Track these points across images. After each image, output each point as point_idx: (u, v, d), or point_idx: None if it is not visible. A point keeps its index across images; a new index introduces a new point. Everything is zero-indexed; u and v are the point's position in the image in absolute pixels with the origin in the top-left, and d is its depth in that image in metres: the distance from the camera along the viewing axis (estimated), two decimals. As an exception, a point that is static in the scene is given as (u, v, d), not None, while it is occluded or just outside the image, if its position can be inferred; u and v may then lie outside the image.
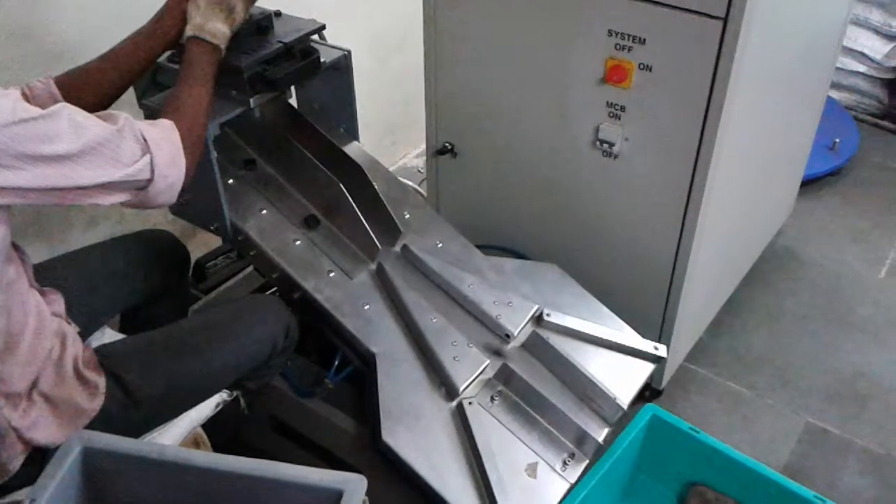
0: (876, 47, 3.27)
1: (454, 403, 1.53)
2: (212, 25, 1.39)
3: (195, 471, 1.02)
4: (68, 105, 1.15)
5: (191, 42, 1.40)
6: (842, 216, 2.90)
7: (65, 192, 1.14)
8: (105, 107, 1.48)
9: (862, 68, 3.35)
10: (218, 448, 1.54)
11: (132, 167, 1.19)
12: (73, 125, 1.13)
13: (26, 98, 1.37)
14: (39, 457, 1.25)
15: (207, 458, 1.05)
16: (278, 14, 1.62)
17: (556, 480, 1.50)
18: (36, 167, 1.09)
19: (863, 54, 3.31)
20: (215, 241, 2.14)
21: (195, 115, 1.35)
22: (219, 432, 1.57)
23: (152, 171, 1.22)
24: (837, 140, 3.02)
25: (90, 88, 1.44)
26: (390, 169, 2.68)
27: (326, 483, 1.00)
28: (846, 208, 2.94)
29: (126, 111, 1.75)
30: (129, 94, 1.57)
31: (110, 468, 1.05)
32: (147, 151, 1.21)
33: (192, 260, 1.92)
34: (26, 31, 1.72)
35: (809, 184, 2.92)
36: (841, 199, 2.98)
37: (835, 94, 3.40)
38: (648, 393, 2.09)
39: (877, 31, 3.27)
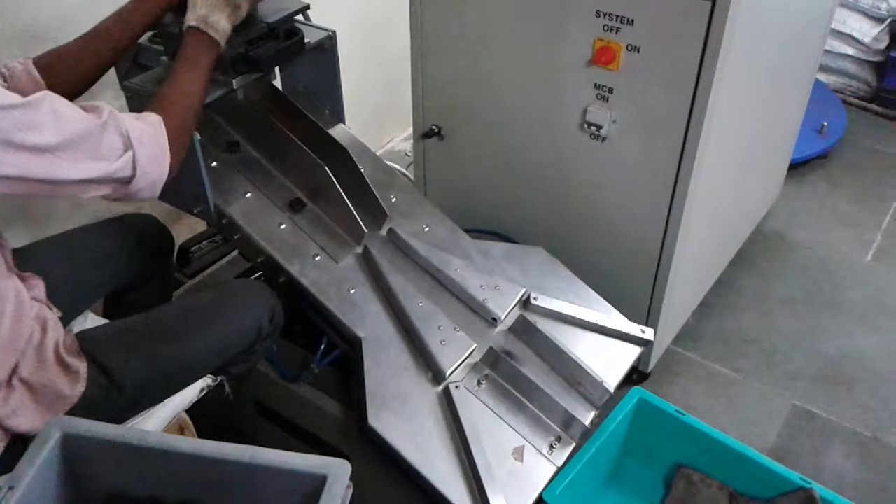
0: (864, 30, 3.27)
1: (441, 387, 1.53)
2: (215, 19, 1.36)
3: (177, 456, 1.01)
4: (51, 94, 1.12)
5: (190, 33, 1.36)
6: (829, 199, 2.90)
7: (40, 184, 1.11)
8: (86, 88, 1.46)
9: (850, 51, 3.35)
10: (203, 433, 1.53)
11: (113, 163, 1.16)
12: (54, 115, 1.10)
13: (4, 79, 1.35)
14: (21, 444, 1.24)
15: (190, 443, 1.04)
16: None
17: (542, 464, 1.50)
18: (12, 155, 1.06)
19: (851, 37, 3.30)
20: (201, 225, 2.12)
21: (185, 112, 1.32)
22: (204, 417, 1.55)
23: (134, 168, 1.19)
24: (825, 123, 3.02)
25: (70, 70, 1.41)
26: (377, 153, 2.66)
27: (311, 468, 0.99)
28: (834, 191, 2.94)
29: (109, 92, 1.75)
30: (111, 76, 1.54)
31: (91, 454, 1.04)
32: (129, 147, 1.18)
33: (177, 244, 1.90)
34: (4, 10, 1.69)
35: (797, 167, 2.93)
36: (828, 182, 2.98)
37: (823, 77, 3.40)
38: (636, 376, 2.09)
39: (865, 14, 3.27)
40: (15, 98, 1.07)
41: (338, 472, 0.97)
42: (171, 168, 1.26)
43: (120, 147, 1.18)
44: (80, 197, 1.18)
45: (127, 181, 1.21)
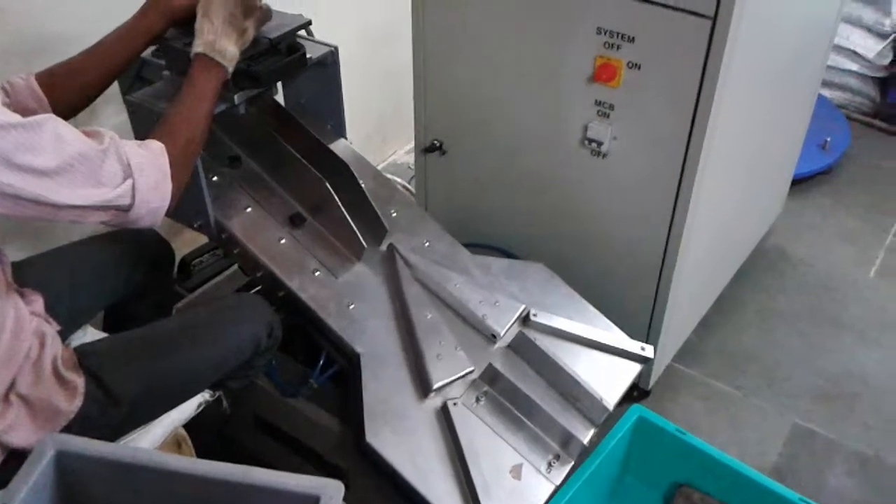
0: (868, 45, 3.27)
1: (439, 404, 1.52)
2: (222, 45, 1.36)
3: (170, 475, 1.00)
4: (54, 117, 1.12)
5: (198, 59, 1.36)
6: (832, 215, 2.89)
7: (38, 207, 1.10)
8: (88, 103, 1.47)
9: (854, 66, 3.35)
10: (201, 448, 1.53)
11: (112, 191, 1.16)
12: (56, 139, 1.09)
13: (6, 94, 1.36)
14: (17, 459, 1.24)
15: (182, 462, 1.03)
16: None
17: (540, 482, 1.49)
18: (9, 175, 1.05)
19: (855, 52, 3.30)
20: (202, 239, 2.12)
21: (189, 139, 1.31)
22: (202, 433, 1.55)
23: (133, 197, 1.19)
24: (828, 139, 3.02)
25: (73, 84, 1.42)
26: (380, 166, 2.66)
27: (303, 489, 0.98)
28: (837, 207, 2.93)
29: (111, 107, 1.76)
30: (114, 90, 1.55)
31: (84, 472, 1.04)
32: (129, 176, 1.18)
33: (178, 257, 1.90)
34: (7, 25, 1.70)
35: (800, 183, 2.92)
36: (831, 199, 2.98)
37: (826, 93, 3.40)
38: (636, 393, 2.08)
39: (869, 30, 3.26)
40: (16, 118, 1.07)
41: (331, 493, 0.97)
42: (174, 196, 1.26)
43: (119, 175, 1.17)
44: (80, 222, 1.18)
45: (126, 209, 1.20)
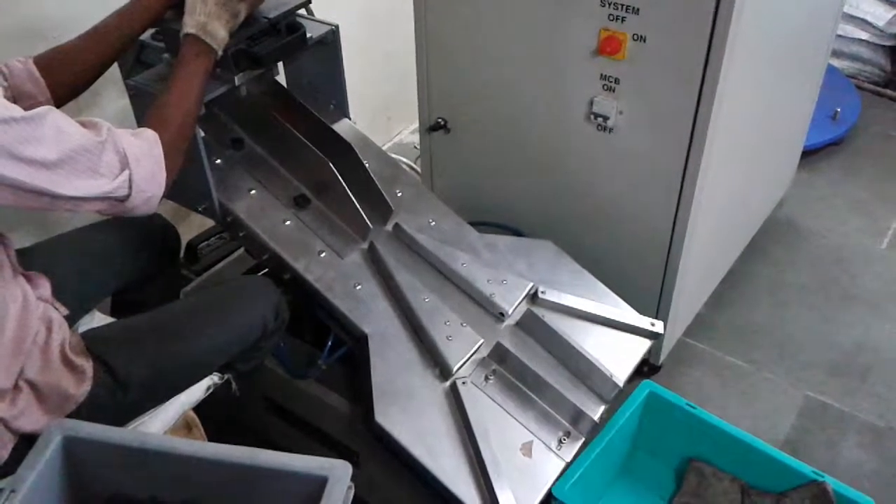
0: (878, 14, 3.22)
1: (448, 383, 1.52)
2: (214, 27, 1.35)
3: (177, 458, 1.00)
4: (54, 109, 1.12)
5: (188, 40, 1.35)
6: (843, 187, 2.86)
7: (36, 197, 1.11)
8: (86, 87, 1.46)
9: (864, 35, 3.30)
10: (212, 431, 1.53)
11: (110, 183, 1.16)
12: (56, 131, 1.10)
13: (4, 77, 1.35)
14: (28, 444, 1.24)
15: (190, 445, 1.03)
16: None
17: (551, 459, 1.49)
18: (13, 167, 1.05)
19: (865, 21, 3.25)
20: (209, 222, 2.11)
21: (181, 125, 1.31)
22: (212, 415, 1.55)
23: (130, 188, 1.19)
24: (839, 109, 2.98)
25: (71, 67, 1.41)
26: (385, 146, 2.65)
27: (311, 470, 0.98)
28: (847, 179, 2.90)
29: (112, 91, 1.75)
30: (115, 74, 1.54)
31: (92, 457, 1.04)
32: (126, 167, 1.18)
33: (185, 240, 1.90)
34: (7, 8, 1.68)
35: (810, 154, 2.89)
36: (842, 170, 2.94)
37: (836, 63, 3.35)
38: (647, 369, 2.07)
39: (879, -3, 3.22)
40: (18, 111, 1.07)
41: (338, 474, 0.97)
42: (167, 183, 1.26)
43: (117, 166, 1.18)
44: (76, 212, 1.18)
45: (122, 199, 1.20)
